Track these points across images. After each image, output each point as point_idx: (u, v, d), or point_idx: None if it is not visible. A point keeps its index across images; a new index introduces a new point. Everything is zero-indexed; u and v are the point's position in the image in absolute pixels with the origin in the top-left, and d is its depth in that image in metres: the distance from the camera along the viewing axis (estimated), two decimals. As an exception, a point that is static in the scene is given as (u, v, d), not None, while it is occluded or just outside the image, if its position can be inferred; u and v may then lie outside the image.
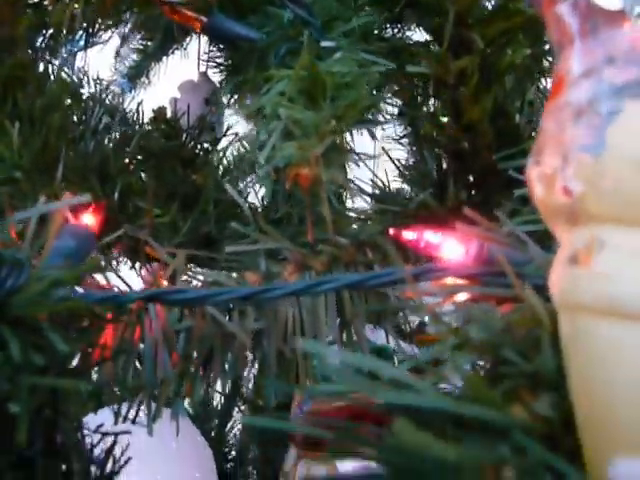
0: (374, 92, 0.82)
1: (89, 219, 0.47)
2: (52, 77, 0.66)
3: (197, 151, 0.83)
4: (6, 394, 0.35)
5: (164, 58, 1.30)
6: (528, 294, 0.29)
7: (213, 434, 1.21)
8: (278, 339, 0.51)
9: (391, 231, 0.43)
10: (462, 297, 0.35)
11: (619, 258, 0.24)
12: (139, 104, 0.85)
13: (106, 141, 0.74)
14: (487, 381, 0.28)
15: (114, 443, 0.43)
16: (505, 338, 0.30)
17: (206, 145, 0.82)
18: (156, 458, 0.77)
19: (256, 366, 0.54)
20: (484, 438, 0.24)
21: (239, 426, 1.32)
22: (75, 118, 0.74)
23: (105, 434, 0.42)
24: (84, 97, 0.77)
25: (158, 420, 0.84)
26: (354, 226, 0.61)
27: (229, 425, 1.36)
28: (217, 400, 1.44)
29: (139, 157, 0.77)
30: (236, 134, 0.82)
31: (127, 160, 0.72)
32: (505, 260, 0.36)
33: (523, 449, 0.25)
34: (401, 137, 0.85)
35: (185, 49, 1.29)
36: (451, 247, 0.38)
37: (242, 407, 1.39)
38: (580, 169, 0.26)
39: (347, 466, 0.83)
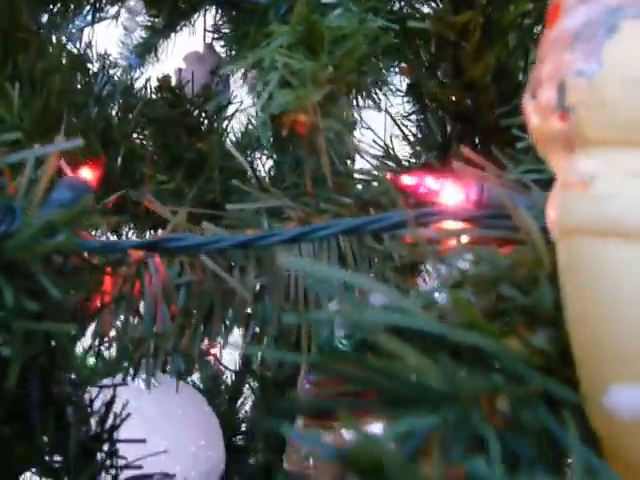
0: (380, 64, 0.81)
1: (87, 173, 0.46)
2: (53, 41, 0.66)
3: (202, 119, 0.82)
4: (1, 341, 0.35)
5: (172, 35, 1.29)
6: (529, 228, 0.28)
7: (223, 409, 1.21)
8: (279, 297, 0.51)
9: (389, 176, 0.42)
10: (462, 240, 0.34)
11: (617, 179, 0.23)
12: (147, 80, 0.85)
13: (110, 110, 0.74)
14: (484, 316, 0.28)
15: (113, 396, 0.43)
16: (504, 275, 0.30)
17: (211, 113, 0.81)
18: (161, 425, 0.78)
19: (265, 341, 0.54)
20: (477, 367, 0.24)
21: (249, 402, 1.33)
22: (79, 86, 0.73)
23: (102, 387, 0.42)
24: (89, 67, 0.77)
25: (163, 388, 0.84)
26: (358, 187, 0.60)
27: (239, 401, 1.37)
28: (227, 376, 1.45)
29: (143, 124, 0.76)
30: (241, 102, 0.82)
31: (131, 127, 0.72)
32: (508, 201, 0.35)
33: (518, 378, 0.24)
34: (409, 114, 0.84)
35: (193, 26, 1.28)
36: (451, 192, 0.37)
37: (252, 384, 1.39)
38: (576, 93, 0.25)
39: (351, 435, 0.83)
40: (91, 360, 0.79)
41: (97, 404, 0.44)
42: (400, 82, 0.89)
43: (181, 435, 0.78)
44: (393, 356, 0.22)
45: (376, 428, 0.74)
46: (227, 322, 0.49)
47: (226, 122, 0.82)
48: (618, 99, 0.24)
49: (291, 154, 0.94)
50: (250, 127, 1.03)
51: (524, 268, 0.31)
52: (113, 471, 0.46)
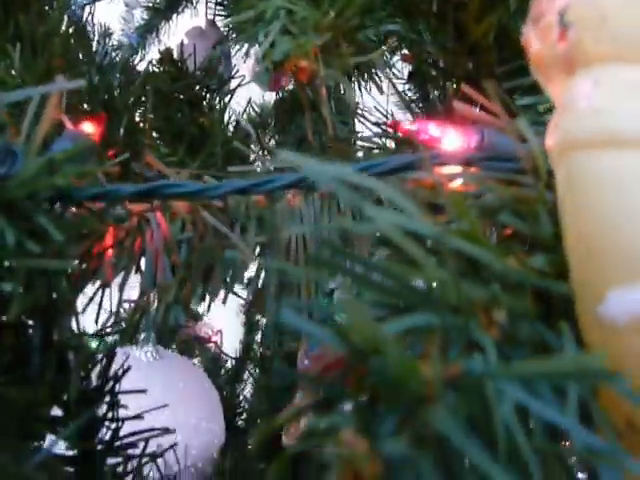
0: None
1: (89, 128, 0.46)
2: (54, 5, 0.66)
3: (204, 93, 0.82)
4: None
5: (173, 16, 1.29)
6: (531, 146, 0.28)
7: (224, 392, 1.22)
8: (280, 255, 0.51)
9: (390, 121, 0.42)
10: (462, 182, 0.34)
11: (617, 92, 0.23)
12: (149, 62, 0.85)
13: (112, 80, 0.74)
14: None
15: (114, 347, 0.43)
16: (506, 204, 0.30)
17: (213, 87, 0.81)
18: (163, 396, 0.78)
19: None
20: (474, 277, 0.24)
21: (249, 388, 1.33)
22: (80, 55, 0.73)
23: (103, 335, 0.42)
24: (90, 37, 0.77)
25: (165, 362, 0.84)
26: (359, 154, 0.60)
27: (240, 387, 1.37)
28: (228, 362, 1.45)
29: (145, 97, 0.76)
30: (243, 77, 0.82)
31: (133, 97, 0.72)
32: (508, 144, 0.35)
33: (515, 291, 0.24)
34: (412, 101, 0.84)
35: (195, 7, 1.28)
36: (452, 139, 0.37)
37: (253, 370, 1.40)
38: (577, 9, 0.25)
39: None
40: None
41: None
42: (402, 69, 0.89)
43: (182, 407, 0.78)
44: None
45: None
46: (228, 279, 0.49)
47: (228, 97, 0.82)
48: (619, 14, 0.24)
49: (293, 134, 0.95)
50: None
51: (525, 203, 0.31)
52: (113, 424, 0.46)
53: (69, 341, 0.39)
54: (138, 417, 0.44)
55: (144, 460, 0.45)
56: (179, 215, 0.48)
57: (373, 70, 0.85)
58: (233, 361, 1.43)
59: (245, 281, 1.66)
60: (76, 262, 0.38)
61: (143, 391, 0.43)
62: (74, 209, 0.40)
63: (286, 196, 0.54)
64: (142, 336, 0.82)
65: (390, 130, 0.41)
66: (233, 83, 0.84)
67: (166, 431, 0.46)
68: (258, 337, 1.44)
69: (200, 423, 0.80)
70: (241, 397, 1.26)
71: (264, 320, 1.32)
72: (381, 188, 0.20)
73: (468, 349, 0.22)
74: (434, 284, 0.22)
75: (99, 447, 0.46)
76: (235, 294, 1.50)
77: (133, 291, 0.46)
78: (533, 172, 0.31)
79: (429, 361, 0.20)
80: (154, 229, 0.46)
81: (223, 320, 1.57)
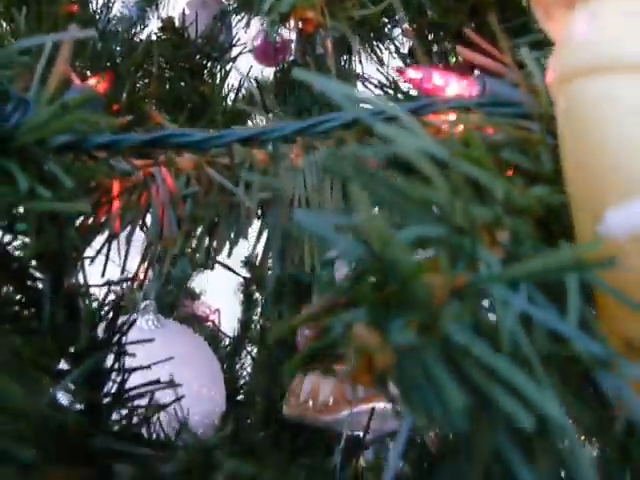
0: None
1: (96, 84, 0.47)
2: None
3: (205, 62, 0.83)
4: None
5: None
6: (536, 78, 0.29)
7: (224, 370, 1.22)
8: (283, 214, 0.51)
9: (396, 69, 0.43)
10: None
11: (615, 22, 0.24)
12: (149, 36, 0.85)
13: (114, 46, 0.74)
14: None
15: (121, 298, 0.44)
16: (508, 141, 0.31)
17: (214, 55, 0.81)
18: (165, 363, 0.78)
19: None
20: (480, 200, 0.25)
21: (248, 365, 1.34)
22: (83, 25, 0.74)
23: (111, 284, 0.43)
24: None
25: (166, 329, 0.85)
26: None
27: (238, 365, 1.38)
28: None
29: (147, 64, 0.77)
30: (244, 45, 0.82)
31: (135, 63, 0.72)
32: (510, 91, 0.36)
33: (517, 213, 0.25)
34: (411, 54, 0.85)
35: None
36: (455, 87, 0.38)
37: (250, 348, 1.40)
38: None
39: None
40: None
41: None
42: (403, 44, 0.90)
43: (184, 374, 0.79)
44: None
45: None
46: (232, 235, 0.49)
47: (229, 65, 0.83)
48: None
49: (293, 105, 0.95)
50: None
51: (527, 143, 0.32)
52: (119, 377, 0.47)
53: (78, 289, 0.40)
54: (145, 367, 0.45)
55: (150, 412, 0.46)
56: (184, 171, 0.49)
57: (374, 43, 0.86)
58: (231, 340, 1.44)
59: (243, 259, 1.65)
60: (87, 204, 0.38)
61: (150, 340, 0.44)
62: (83, 159, 0.41)
63: (289, 156, 0.55)
64: (143, 305, 0.83)
65: (398, 75, 0.42)
66: (234, 52, 0.85)
67: (172, 384, 0.47)
68: (256, 315, 1.45)
69: (202, 390, 0.81)
70: (239, 375, 1.27)
71: (263, 295, 1.33)
72: (392, 109, 0.21)
73: (473, 266, 0.23)
74: (444, 203, 0.23)
75: (105, 400, 0.47)
76: (233, 271, 1.50)
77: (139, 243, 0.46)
78: (535, 112, 0.32)
79: (438, 270, 0.21)
80: (159, 184, 0.47)
81: (221, 299, 1.58)
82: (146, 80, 0.75)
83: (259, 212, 0.52)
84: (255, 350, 1.36)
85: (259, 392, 1.02)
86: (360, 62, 0.89)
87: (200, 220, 0.47)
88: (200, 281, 1.53)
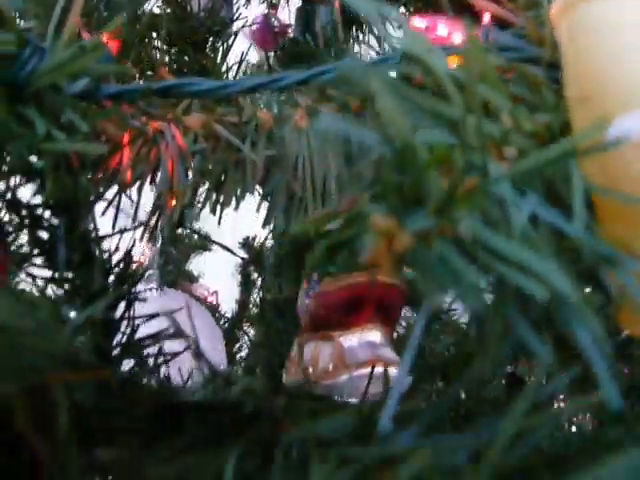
0: None
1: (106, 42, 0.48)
2: None
3: (207, 36, 0.84)
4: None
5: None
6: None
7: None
8: (287, 172, 0.53)
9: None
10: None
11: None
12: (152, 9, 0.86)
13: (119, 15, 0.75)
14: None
15: (133, 246, 0.45)
16: (514, 78, 0.32)
17: (216, 29, 0.82)
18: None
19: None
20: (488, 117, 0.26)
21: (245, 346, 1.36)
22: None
23: (123, 232, 0.44)
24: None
25: (168, 297, 0.86)
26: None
27: (236, 346, 1.39)
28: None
29: (151, 36, 0.78)
30: (246, 19, 0.83)
31: (140, 33, 0.73)
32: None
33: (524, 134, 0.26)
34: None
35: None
36: (459, 37, 0.39)
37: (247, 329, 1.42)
38: None
39: (352, 341, 0.85)
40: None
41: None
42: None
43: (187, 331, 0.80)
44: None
45: (373, 336, 0.76)
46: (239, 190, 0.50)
47: (231, 39, 0.84)
48: None
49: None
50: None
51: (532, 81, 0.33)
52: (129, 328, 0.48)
53: (91, 235, 0.41)
54: (155, 316, 0.46)
55: (160, 360, 0.47)
56: (192, 130, 0.50)
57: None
58: (229, 320, 1.46)
59: (241, 241, 1.65)
60: (102, 146, 0.39)
61: (160, 288, 0.45)
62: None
63: (294, 118, 0.56)
64: (146, 275, 0.84)
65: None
66: (235, 26, 0.86)
67: (181, 334, 0.48)
68: (254, 295, 1.46)
69: (206, 344, 0.82)
70: (238, 355, 1.28)
71: (262, 274, 1.34)
72: (400, 18, 0.22)
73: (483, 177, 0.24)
74: (458, 118, 0.24)
75: (116, 349, 0.48)
76: (232, 252, 1.51)
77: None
78: (539, 57, 0.33)
79: (451, 168, 0.22)
80: (169, 140, 0.48)
81: (219, 281, 1.59)
82: (149, 49, 0.76)
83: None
84: (253, 331, 1.38)
85: (260, 363, 1.03)
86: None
87: (208, 174, 0.48)
88: (198, 263, 1.55)
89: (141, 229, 0.45)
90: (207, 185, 0.48)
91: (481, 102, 0.26)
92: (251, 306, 1.46)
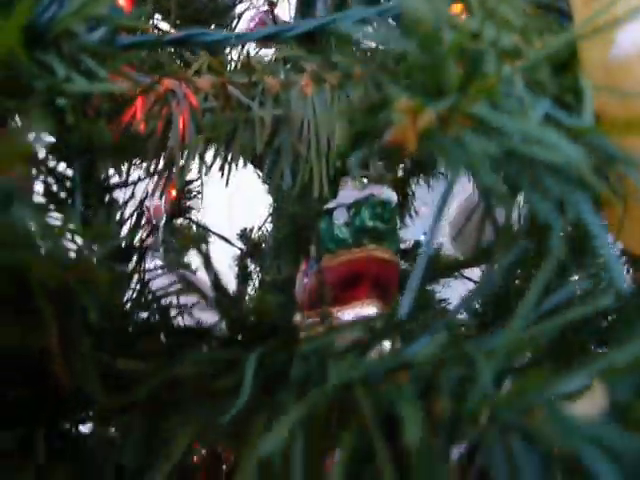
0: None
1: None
2: None
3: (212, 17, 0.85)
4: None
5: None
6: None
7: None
8: (293, 133, 0.54)
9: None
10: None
11: None
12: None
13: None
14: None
15: (145, 198, 0.46)
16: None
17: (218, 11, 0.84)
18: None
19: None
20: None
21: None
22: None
23: (136, 183, 0.45)
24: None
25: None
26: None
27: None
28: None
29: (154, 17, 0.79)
30: (250, 2, 0.85)
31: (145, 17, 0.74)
32: None
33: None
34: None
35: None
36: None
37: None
38: None
39: (350, 316, 0.86)
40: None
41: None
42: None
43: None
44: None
45: (369, 310, 0.77)
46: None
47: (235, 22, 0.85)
48: None
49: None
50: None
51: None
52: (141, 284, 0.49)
53: (108, 178, 0.42)
54: (166, 268, 0.47)
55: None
56: (202, 90, 0.52)
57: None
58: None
59: (239, 232, 1.65)
60: (121, 85, 0.41)
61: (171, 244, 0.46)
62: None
63: (299, 84, 0.57)
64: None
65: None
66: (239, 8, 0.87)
67: (193, 287, 0.49)
68: (250, 289, 1.47)
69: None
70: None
71: (259, 262, 1.35)
72: None
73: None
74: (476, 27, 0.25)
75: (128, 304, 0.49)
76: (230, 242, 1.51)
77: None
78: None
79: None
80: (180, 98, 0.49)
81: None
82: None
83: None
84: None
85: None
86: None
87: (218, 131, 0.49)
88: (196, 255, 1.55)
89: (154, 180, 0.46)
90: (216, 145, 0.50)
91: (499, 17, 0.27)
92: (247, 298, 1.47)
